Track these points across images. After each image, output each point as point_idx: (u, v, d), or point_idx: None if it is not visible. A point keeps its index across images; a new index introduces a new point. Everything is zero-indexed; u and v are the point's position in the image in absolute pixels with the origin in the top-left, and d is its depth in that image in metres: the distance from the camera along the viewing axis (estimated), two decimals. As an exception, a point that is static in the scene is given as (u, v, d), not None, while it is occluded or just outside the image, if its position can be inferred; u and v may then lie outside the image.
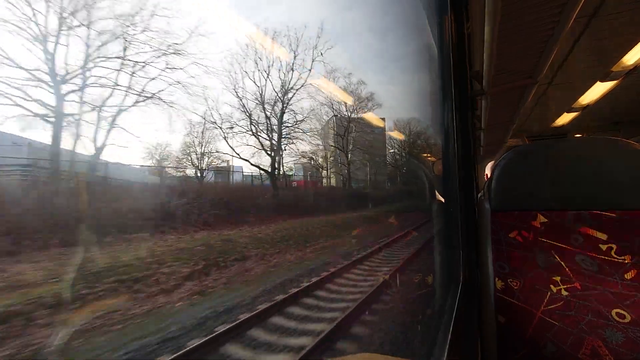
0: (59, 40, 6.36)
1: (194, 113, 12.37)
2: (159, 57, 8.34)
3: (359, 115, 17.62)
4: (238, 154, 12.20)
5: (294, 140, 14.28)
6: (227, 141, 12.19)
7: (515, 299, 0.94)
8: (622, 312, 0.83)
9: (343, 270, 5.29)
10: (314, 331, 3.15)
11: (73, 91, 6.57)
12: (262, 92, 12.83)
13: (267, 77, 12.95)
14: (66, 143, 6.17)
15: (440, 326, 0.78)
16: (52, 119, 6.05)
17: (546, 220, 0.94)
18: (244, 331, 3.17)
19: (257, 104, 12.86)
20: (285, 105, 13.49)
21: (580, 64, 3.81)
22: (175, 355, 2.66)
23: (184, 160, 11.68)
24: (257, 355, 2.85)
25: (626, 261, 0.84)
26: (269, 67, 12.86)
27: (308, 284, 4.55)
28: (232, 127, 11.93)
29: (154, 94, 8.23)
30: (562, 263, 0.91)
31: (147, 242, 5.37)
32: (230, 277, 4.86)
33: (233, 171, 12.79)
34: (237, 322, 3.23)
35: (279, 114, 13.18)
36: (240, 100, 12.28)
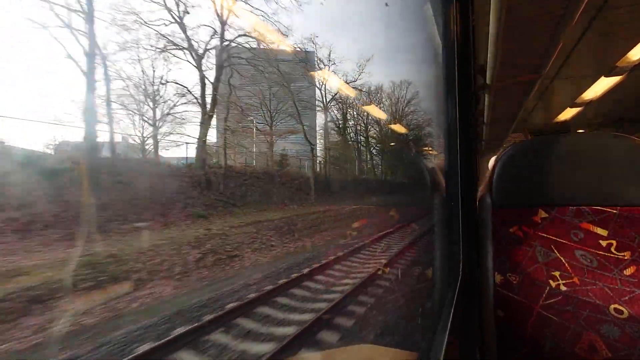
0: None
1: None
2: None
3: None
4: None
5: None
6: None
7: (515, 294, 0.95)
8: (620, 307, 0.83)
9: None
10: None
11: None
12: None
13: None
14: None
15: (439, 319, 0.78)
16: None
17: (547, 215, 0.94)
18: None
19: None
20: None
21: (586, 59, 3.76)
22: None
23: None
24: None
25: (626, 257, 0.85)
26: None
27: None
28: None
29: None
30: (562, 258, 0.91)
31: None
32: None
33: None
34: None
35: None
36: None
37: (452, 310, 0.78)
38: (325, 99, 16.10)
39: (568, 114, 6.09)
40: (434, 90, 1.53)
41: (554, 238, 0.93)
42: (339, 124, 17.67)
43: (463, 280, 0.98)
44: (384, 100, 18.42)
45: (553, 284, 0.91)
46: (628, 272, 0.84)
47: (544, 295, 0.91)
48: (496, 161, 1.05)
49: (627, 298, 0.83)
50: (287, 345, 2.69)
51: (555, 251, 0.92)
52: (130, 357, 2.54)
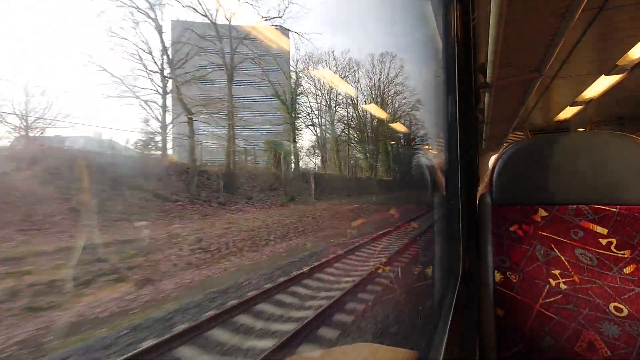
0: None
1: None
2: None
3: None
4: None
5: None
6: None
7: (514, 292, 0.95)
8: (620, 306, 0.84)
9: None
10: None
11: None
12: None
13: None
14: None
15: (439, 318, 0.79)
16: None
17: (547, 214, 0.94)
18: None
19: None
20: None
21: (586, 57, 3.75)
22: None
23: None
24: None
25: (625, 256, 0.85)
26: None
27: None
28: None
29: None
30: (562, 257, 0.91)
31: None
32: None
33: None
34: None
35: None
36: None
37: (452, 309, 0.78)
38: (224, 54, 10.95)
39: (568, 112, 6.08)
40: (434, 89, 1.52)
41: (553, 237, 0.93)
42: (283, 98, 12.82)
43: (463, 278, 0.98)
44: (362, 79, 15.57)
45: (553, 282, 0.91)
46: (628, 270, 0.84)
47: (544, 294, 0.91)
48: (496, 160, 1.05)
49: (626, 296, 0.83)
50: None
51: (555, 250, 0.92)
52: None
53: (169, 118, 9.84)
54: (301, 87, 14.09)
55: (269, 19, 10.84)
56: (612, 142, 0.91)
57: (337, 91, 15.31)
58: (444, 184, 1.25)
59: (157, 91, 9.58)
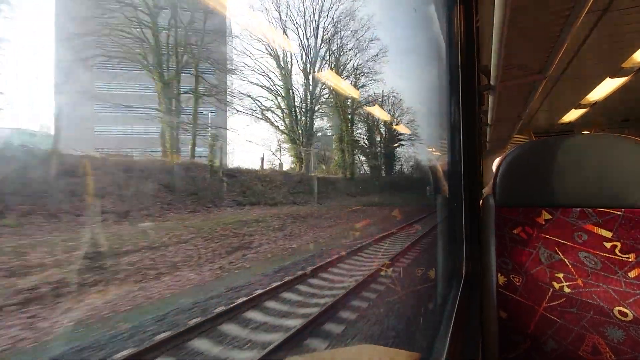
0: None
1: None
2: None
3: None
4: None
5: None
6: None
7: (518, 295, 0.94)
8: (625, 310, 0.83)
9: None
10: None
11: None
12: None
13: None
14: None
15: (442, 320, 0.78)
16: None
17: (550, 217, 0.94)
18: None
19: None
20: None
21: (591, 60, 3.74)
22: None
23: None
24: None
25: (630, 259, 0.84)
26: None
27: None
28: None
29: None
30: (565, 260, 0.91)
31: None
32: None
33: None
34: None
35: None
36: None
37: (455, 311, 0.78)
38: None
39: (573, 115, 6.05)
40: (438, 90, 1.52)
41: (557, 240, 0.92)
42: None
43: (465, 280, 0.97)
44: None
45: (556, 285, 0.90)
46: (633, 274, 0.83)
47: (547, 297, 0.91)
48: (500, 162, 1.04)
49: (631, 300, 0.83)
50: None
51: (559, 253, 0.92)
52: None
53: None
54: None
55: None
56: (617, 144, 0.90)
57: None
58: (448, 186, 1.25)
59: None
